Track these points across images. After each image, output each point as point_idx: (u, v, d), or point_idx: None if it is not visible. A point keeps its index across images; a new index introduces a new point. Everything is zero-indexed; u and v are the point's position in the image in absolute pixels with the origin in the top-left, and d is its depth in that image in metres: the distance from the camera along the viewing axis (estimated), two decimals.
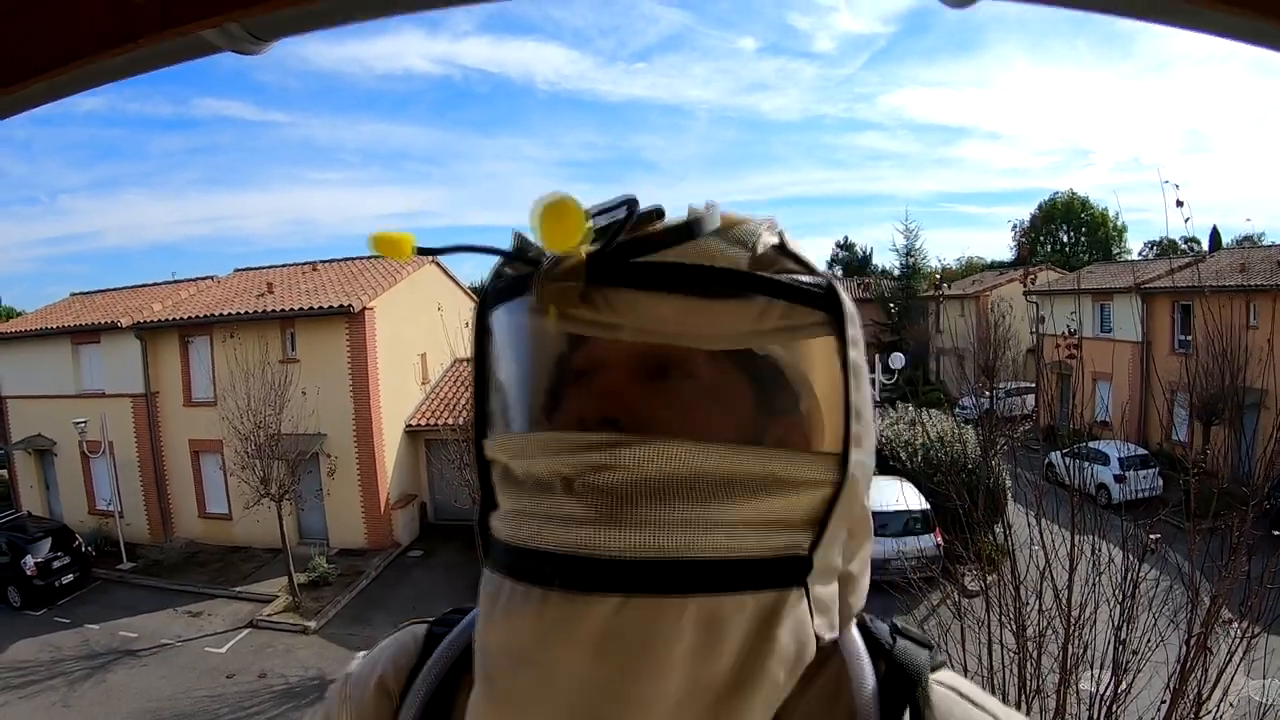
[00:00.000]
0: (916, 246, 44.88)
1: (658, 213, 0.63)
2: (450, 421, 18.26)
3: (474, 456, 0.71)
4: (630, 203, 0.61)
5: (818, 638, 0.62)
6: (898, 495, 12.53)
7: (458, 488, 15.68)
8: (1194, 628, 4.44)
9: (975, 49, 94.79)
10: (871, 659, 0.69)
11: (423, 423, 20.18)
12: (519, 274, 0.64)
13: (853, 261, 58.34)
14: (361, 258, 22.96)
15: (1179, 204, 5.81)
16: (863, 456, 0.64)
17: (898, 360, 23.45)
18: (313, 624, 15.29)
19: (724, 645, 0.56)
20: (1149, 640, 4.59)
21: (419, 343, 20.54)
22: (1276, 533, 4.73)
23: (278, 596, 16.48)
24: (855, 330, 0.63)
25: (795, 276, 0.61)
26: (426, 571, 17.77)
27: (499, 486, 0.65)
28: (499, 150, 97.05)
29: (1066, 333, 6.62)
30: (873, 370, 21.55)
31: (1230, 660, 4.39)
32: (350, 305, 18.38)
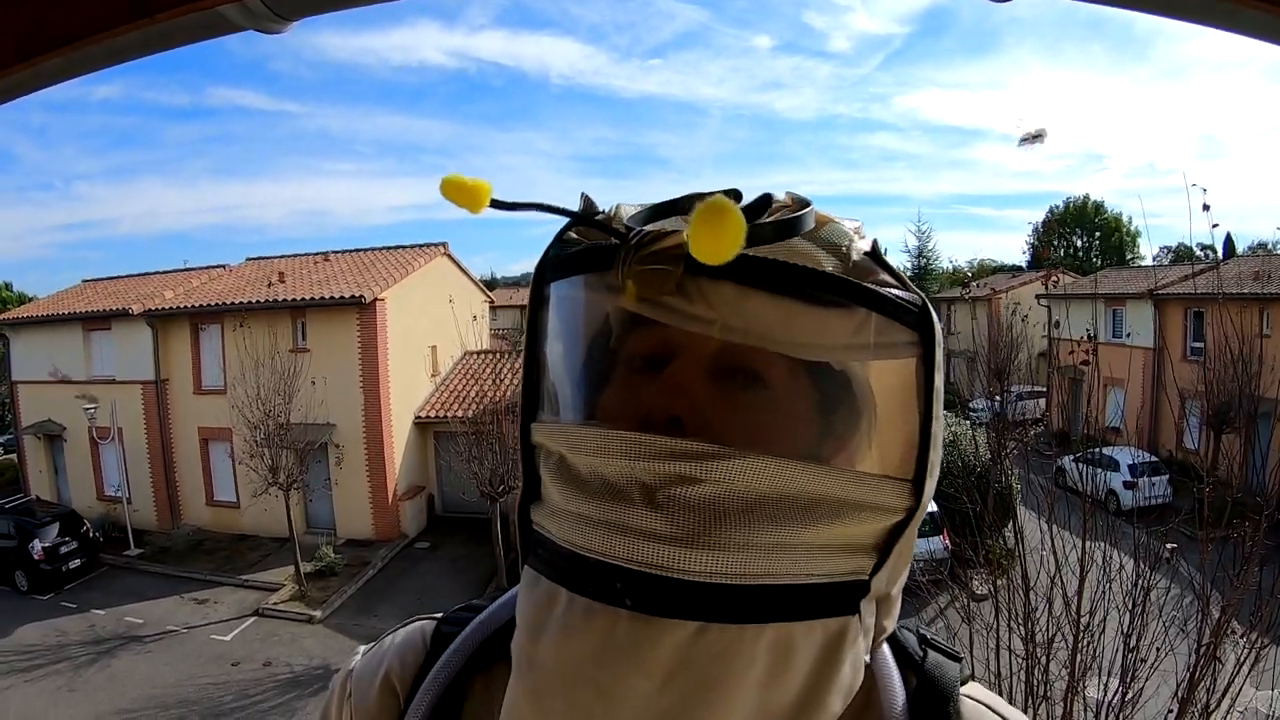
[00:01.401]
0: (929, 248, 44.91)
1: (735, 195, 0.60)
2: (460, 414, 18.26)
3: (519, 439, 0.66)
4: (736, 193, 0.60)
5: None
6: None
7: (466, 480, 15.70)
8: (1204, 637, 4.41)
9: (991, 51, 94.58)
10: (900, 670, 0.68)
11: (432, 415, 20.20)
12: (594, 245, 0.61)
13: None
14: (374, 249, 22.96)
15: (1205, 208, 5.75)
16: (933, 484, 0.61)
17: None
18: (318, 613, 15.34)
19: (792, 674, 0.55)
20: (1158, 648, 4.56)
21: (430, 335, 20.54)
22: None
23: (284, 585, 16.54)
24: (941, 353, 0.61)
25: (894, 291, 0.58)
26: (433, 564, 17.79)
27: (551, 479, 0.60)
28: (513, 144, 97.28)
29: (1086, 336, 6.56)
30: None
31: (1239, 671, 4.36)
32: (362, 296, 18.40)
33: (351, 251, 23.08)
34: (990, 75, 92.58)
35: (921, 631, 0.72)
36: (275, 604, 15.90)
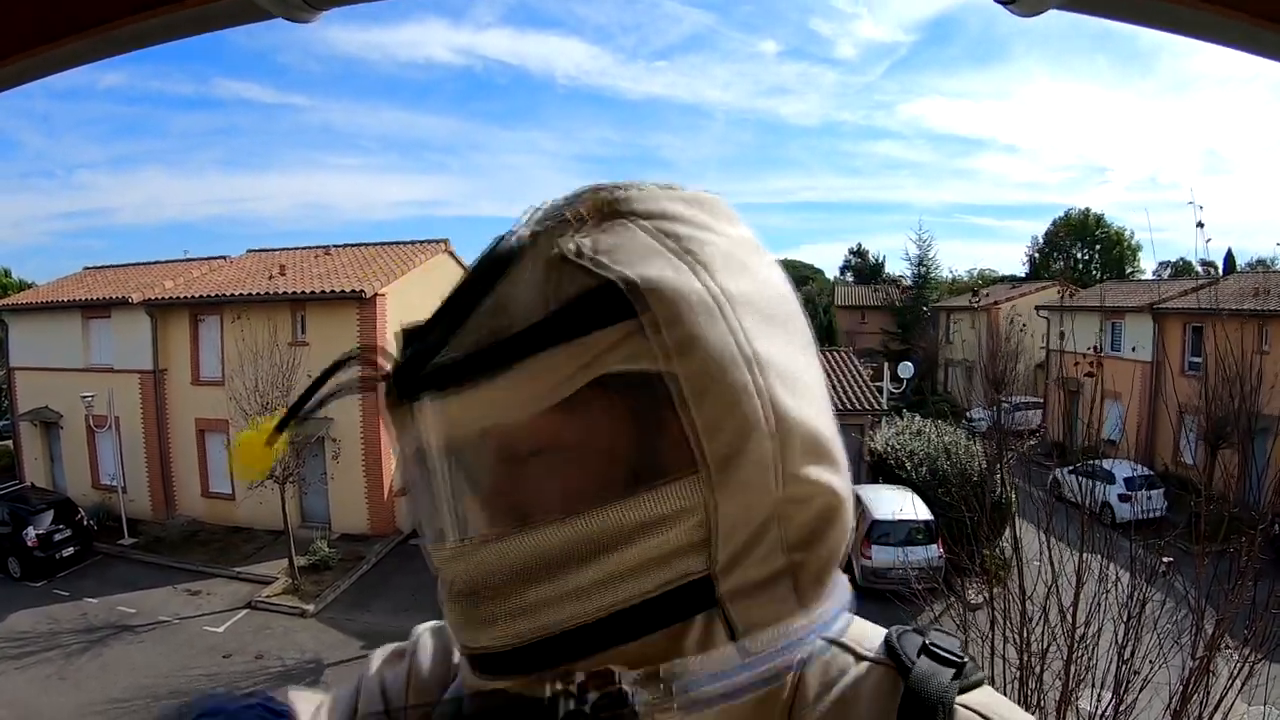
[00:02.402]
0: (929, 256, 44.95)
1: (411, 336, 0.64)
2: None
3: None
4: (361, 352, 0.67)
5: (788, 638, 0.57)
6: (902, 505, 12.52)
7: None
8: (1198, 650, 4.42)
9: (996, 61, 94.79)
10: (891, 674, 0.62)
11: None
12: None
13: (865, 268, 58.18)
14: (376, 244, 22.96)
15: (1199, 225, 5.80)
16: (744, 442, 0.53)
17: (906, 369, 23.44)
18: (311, 607, 15.32)
19: None
20: (1151, 661, 4.57)
21: None
22: None
23: (277, 579, 16.53)
24: (687, 315, 0.53)
25: (571, 298, 0.53)
26: (427, 560, 17.72)
27: None
28: (517, 143, 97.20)
29: (1094, 349, 6.60)
30: (881, 379, 21.54)
31: (1232, 685, 4.37)
32: (362, 291, 18.41)
33: (353, 246, 23.06)
34: (995, 85, 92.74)
35: (927, 636, 0.66)
36: (268, 597, 15.88)
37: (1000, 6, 0.81)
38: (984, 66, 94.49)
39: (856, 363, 22.29)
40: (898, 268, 52.19)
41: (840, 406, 15.88)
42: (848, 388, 20.33)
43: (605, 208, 0.58)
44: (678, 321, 0.52)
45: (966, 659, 0.64)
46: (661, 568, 0.54)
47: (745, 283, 0.57)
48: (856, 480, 11.31)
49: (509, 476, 0.58)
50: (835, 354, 22.47)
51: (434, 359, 0.56)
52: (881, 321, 44.40)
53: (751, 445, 0.54)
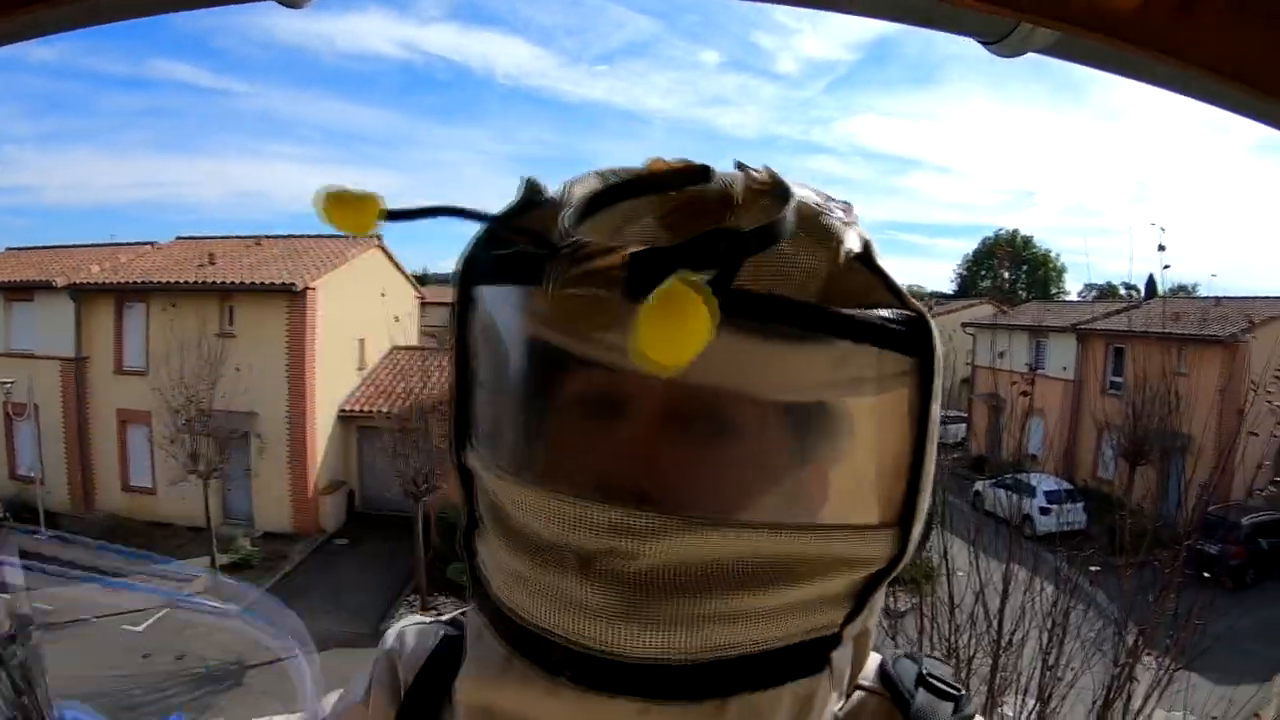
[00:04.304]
0: None
1: (703, 173, 0.53)
2: (386, 409, 17.98)
3: (454, 460, 0.59)
4: (704, 171, 0.52)
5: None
6: None
7: (389, 478, 15.50)
8: (1120, 658, 4.60)
9: (934, 83, 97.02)
10: (888, 706, 0.62)
11: (357, 409, 19.93)
12: (520, 252, 0.49)
13: None
14: (308, 236, 22.42)
15: (1160, 248, 6.07)
16: (920, 529, 0.53)
17: None
18: (233, 607, 14.94)
19: None
20: (1073, 668, 4.74)
21: (359, 327, 20.31)
22: (1207, 575, 4.92)
23: (199, 577, 16.07)
24: (939, 380, 0.52)
25: (883, 313, 0.49)
26: (351, 561, 17.52)
27: (488, 517, 0.54)
28: (454, 140, 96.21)
29: (1028, 366, 6.83)
30: None
31: (1153, 692, 4.55)
32: (293, 284, 18.18)
33: (285, 237, 22.50)
34: (931, 106, 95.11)
35: (922, 666, 0.65)
36: (190, 596, 15.41)
37: (982, 46, 0.87)
38: (921, 88, 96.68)
39: None
40: None
41: None
42: None
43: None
44: (934, 377, 0.51)
45: (962, 691, 0.64)
46: (828, 609, 0.52)
47: None
48: None
49: (699, 456, 0.49)
50: None
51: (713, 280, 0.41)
52: None
53: (922, 508, 0.53)
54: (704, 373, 0.42)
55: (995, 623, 4.95)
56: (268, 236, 22.60)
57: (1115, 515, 5.65)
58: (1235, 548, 12.04)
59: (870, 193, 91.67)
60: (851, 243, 0.51)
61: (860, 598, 0.53)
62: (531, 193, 0.55)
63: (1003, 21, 0.77)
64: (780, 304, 0.46)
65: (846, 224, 0.52)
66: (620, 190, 0.52)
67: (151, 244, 23.03)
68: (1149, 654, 4.68)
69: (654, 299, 0.37)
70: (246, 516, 18.82)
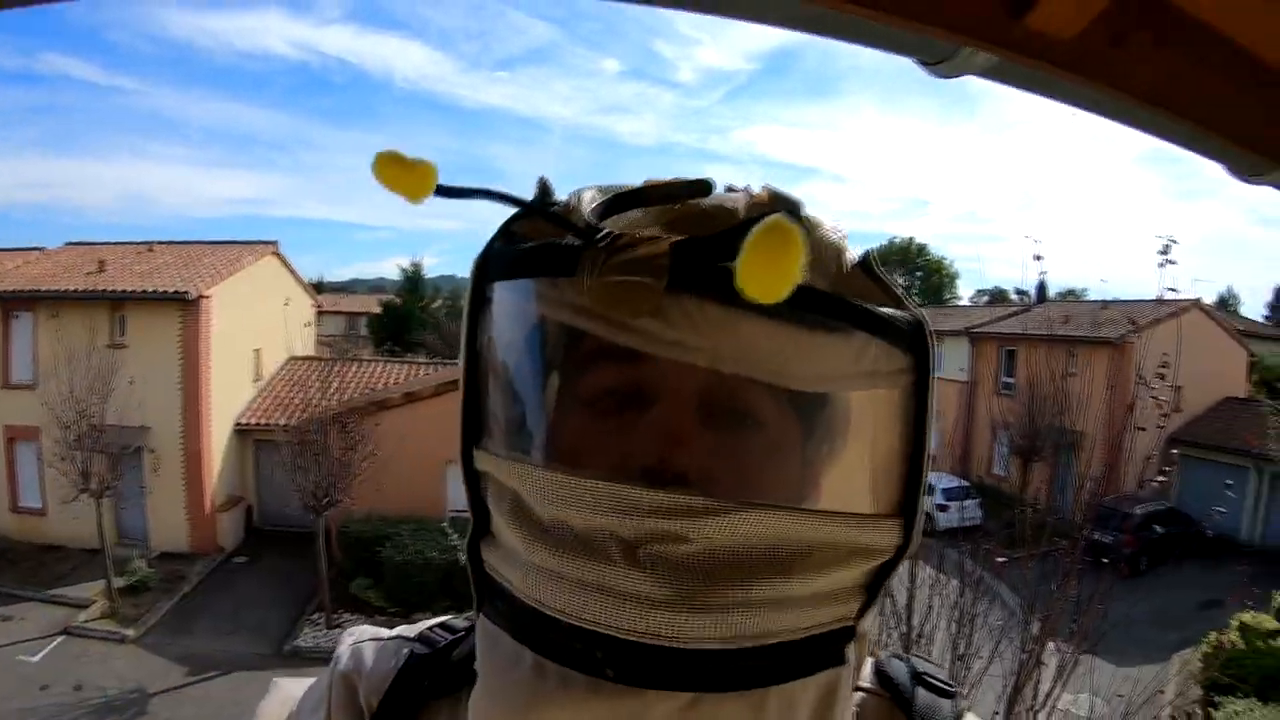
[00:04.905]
0: None
1: (703, 188, 0.55)
2: (283, 422, 17.48)
3: (461, 462, 0.57)
4: (705, 185, 0.55)
5: None
6: None
7: (288, 492, 15.10)
8: (1027, 645, 4.81)
9: (830, 95, 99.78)
10: (889, 706, 0.64)
11: (254, 422, 19.43)
12: (550, 243, 0.51)
13: None
14: (201, 242, 21.68)
15: (1037, 257, 6.48)
16: (921, 521, 0.55)
17: None
18: (131, 632, 14.43)
19: None
20: (982, 656, 4.94)
21: (254, 337, 19.83)
22: (1105, 560, 5.19)
23: (95, 601, 15.38)
24: (935, 378, 0.55)
25: (891, 311, 0.52)
26: (252, 579, 17.03)
27: (506, 521, 0.52)
28: (348, 144, 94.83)
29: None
30: None
31: (1060, 676, 4.77)
32: (186, 292, 17.54)
33: (177, 244, 21.67)
34: (827, 116, 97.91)
35: (914, 663, 0.67)
36: (85, 622, 14.78)
37: (922, 69, 0.92)
38: (818, 98, 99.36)
39: None
40: None
41: None
42: None
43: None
44: (934, 373, 0.55)
45: (956, 688, 0.66)
46: (847, 599, 0.53)
47: None
48: None
49: (729, 443, 0.50)
50: None
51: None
52: None
53: (922, 500, 0.55)
54: (741, 358, 0.47)
55: (905, 617, 5.12)
56: (160, 243, 21.76)
57: (1012, 509, 5.90)
58: (1128, 536, 12.67)
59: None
60: (852, 255, 0.54)
61: (871, 590, 0.54)
62: (545, 192, 0.55)
63: (946, 45, 0.80)
64: (813, 294, 0.47)
65: (843, 236, 0.55)
66: (629, 198, 0.55)
67: (39, 250, 21.98)
68: (1053, 640, 4.91)
69: (757, 233, 0.41)
70: (142, 536, 17.98)
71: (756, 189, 0.56)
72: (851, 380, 0.51)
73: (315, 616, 14.96)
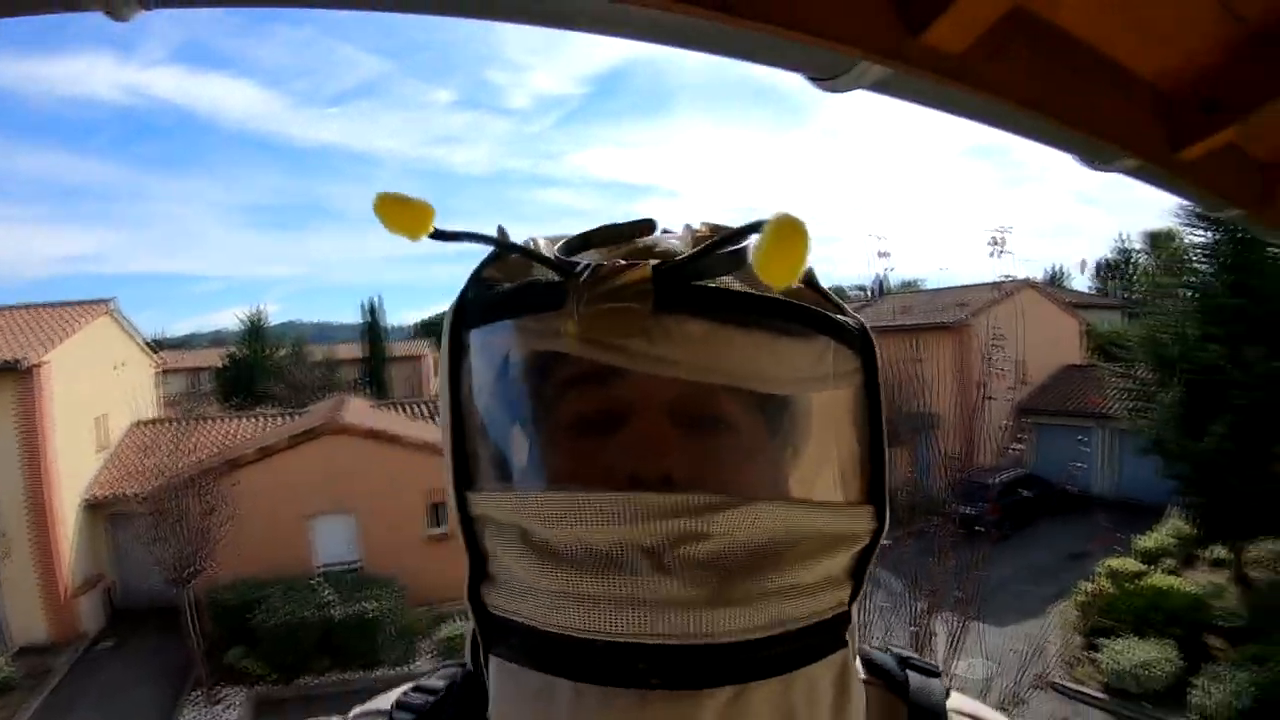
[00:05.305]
0: None
1: (648, 227, 0.62)
2: (135, 491, 16.23)
3: (455, 511, 0.57)
4: (649, 223, 0.61)
5: None
6: None
7: (148, 567, 14.23)
8: (917, 619, 5.05)
9: (662, 112, 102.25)
10: (887, 695, 0.66)
11: (104, 494, 18.10)
12: (532, 282, 0.56)
13: None
14: (29, 305, 20.00)
15: (881, 254, 6.88)
16: (888, 505, 0.59)
17: None
18: None
19: (820, 717, 0.53)
20: (875, 636, 5.15)
21: (97, 403, 18.59)
22: (979, 529, 5.51)
23: None
24: (882, 376, 0.60)
25: (841, 316, 0.57)
26: (122, 662, 15.80)
27: (512, 556, 0.53)
28: (182, 191, 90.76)
29: None
30: None
31: (951, 645, 5.03)
32: (19, 360, 16.09)
33: (6, 309, 20.12)
34: (660, 134, 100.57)
35: (894, 650, 0.71)
36: None
37: (810, 83, 0.99)
38: (649, 117, 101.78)
39: None
40: None
41: None
42: None
43: None
44: (877, 373, 0.59)
45: (940, 668, 0.69)
46: (841, 584, 0.56)
47: None
48: None
49: (707, 447, 0.53)
50: None
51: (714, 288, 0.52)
52: None
53: (889, 487, 0.59)
54: (720, 367, 0.51)
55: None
56: None
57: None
58: (992, 505, 13.47)
59: (602, 221, 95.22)
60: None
61: (856, 576, 0.58)
62: (504, 239, 0.58)
63: (843, 59, 0.87)
64: (782, 304, 0.52)
65: None
66: (585, 238, 0.61)
67: None
68: (940, 612, 5.18)
69: (770, 229, 0.45)
70: None
71: (696, 225, 0.63)
72: (818, 381, 0.55)
73: (194, 695, 14.01)
